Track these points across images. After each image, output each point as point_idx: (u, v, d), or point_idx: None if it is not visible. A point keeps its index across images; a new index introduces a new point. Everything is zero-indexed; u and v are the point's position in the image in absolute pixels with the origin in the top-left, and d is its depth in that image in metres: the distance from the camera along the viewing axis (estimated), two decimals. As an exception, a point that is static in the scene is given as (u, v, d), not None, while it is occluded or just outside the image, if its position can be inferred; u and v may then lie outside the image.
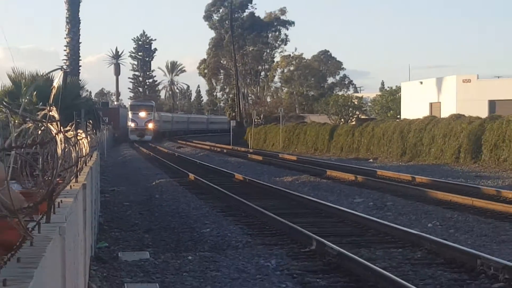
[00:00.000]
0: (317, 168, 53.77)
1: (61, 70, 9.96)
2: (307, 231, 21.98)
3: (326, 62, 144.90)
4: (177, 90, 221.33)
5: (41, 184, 7.22)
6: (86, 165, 17.33)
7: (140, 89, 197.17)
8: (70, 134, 11.78)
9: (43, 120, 7.16)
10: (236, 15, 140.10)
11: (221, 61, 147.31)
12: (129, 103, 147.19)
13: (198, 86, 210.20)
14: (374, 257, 18.76)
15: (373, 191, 37.04)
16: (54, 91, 8.18)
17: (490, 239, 21.82)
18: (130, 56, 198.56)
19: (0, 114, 6.18)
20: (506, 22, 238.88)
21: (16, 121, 6.31)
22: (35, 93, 22.35)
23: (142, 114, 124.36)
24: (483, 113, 68.93)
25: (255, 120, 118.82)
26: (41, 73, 39.44)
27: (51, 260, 6.25)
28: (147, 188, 39.54)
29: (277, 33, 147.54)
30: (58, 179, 8.30)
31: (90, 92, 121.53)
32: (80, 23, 75.31)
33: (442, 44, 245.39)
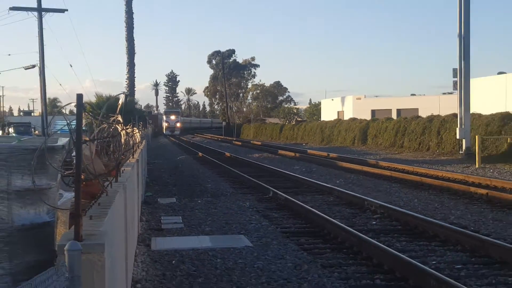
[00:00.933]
0: (272, 149, 53.74)
1: (123, 94, 10.02)
2: (267, 185, 21.97)
3: (277, 88, 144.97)
4: (192, 104, 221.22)
5: (112, 160, 7.20)
6: (138, 148, 17.30)
7: (170, 104, 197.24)
8: (129, 130, 11.75)
9: (113, 122, 7.15)
10: (225, 61, 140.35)
11: (217, 88, 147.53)
12: (164, 110, 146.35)
13: (204, 102, 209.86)
14: (306, 200, 18.75)
15: (305, 162, 37.13)
16: (119, 105, 8.19)
17: (372, 190, 21.90)
18: (164, 84, 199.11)
19: (88, 120, 6.17)
20: (383, 58, 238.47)
21: (97, 123, 6.31)
22: (103, 107, 22.26)
23: (173, 117, 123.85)
24: (368, 117, 69.25)
25: (236, 122, 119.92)
26: (112, 95, 39.33)
27: (118, 204, 6.24)
28: (174, 161, 39.34)
29: (249, 71, 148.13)
30: (122, 157, 8.29)
31: (141, 106, 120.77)
32: (135, 65, 75.32)
33: (345, 74, 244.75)
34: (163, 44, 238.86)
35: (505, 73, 57.82)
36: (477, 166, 30.43)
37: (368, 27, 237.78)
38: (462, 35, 36.33)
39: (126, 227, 7.80)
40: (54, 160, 5.01)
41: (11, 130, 52.80)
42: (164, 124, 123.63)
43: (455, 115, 39.82)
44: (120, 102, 8.90)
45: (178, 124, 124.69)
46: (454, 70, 38.47)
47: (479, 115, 40.76)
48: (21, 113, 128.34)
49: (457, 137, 37.44)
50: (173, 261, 11.17)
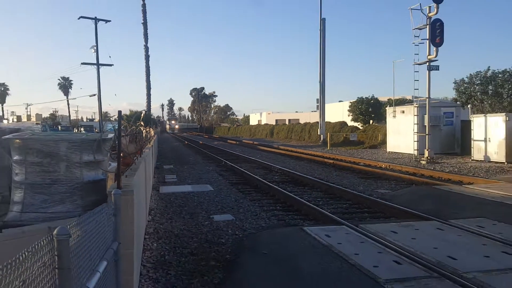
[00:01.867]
0: (224, 139, 53.43)
1: (144, 111, 9.83)
2: (221, 158, 21.81)
3: (227, 107, 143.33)
4: (181, 116, 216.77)
5: (138, 145, 7.03)
6: (152, 139, 16.95)
7: (170, 115, 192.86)
8: (148, 129, 11.52)
9: (138, 126, 7.00)
10: (199, 93, 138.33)
11: (195, 107, 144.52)
12: (167, 118, 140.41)
13: (188, 115, 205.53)
14: (241, 166, 18.59)
15: (241, 146, 36.97)
16: (142, 116, 8.06)
17: (275, 161, 21.94)
18: (167, 106, 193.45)
19: (124, 124, 6.01)
20: (282, 89, 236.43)
21: (129, 126, 6.14)
22: (132, 117, 21.72)
23: (173, 122, 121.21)
24: (274, 123, 69.57)
25: (205, 125, 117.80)
26: (138, 111, 38.45)
27: (141, 168, 6.10)
28: (172, 146, 38.59)
29: (212, 98, 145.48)
30: (143, 144, 8.10)
31: (154, 116, 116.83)
32: (151, 95, 72.98)
33: (262, 98, 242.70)
34: (167, 82, 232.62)
35: (342, 101, 59.63)
36: (328, 148, 31.10)
37: (270, 71, 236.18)
38: (321, 81, 36.94)
39: (146, 181, 7.66)
40: (106, 145, 4.90)
41: (82, 129, 51.60)
42: (168, 126, 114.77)
43: (317, 122, 40.58)
44: (142, 115, 8.81)
45: (177, 126, 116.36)
46: (317, 99, 39.18)
47: (329, 122, 41.70)
48: (88, 120, 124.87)
49: (318, 133, 38.15)
50: (171, 198, 11.03)
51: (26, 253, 1.66)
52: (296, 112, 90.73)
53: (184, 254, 6.35)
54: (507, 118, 17.80)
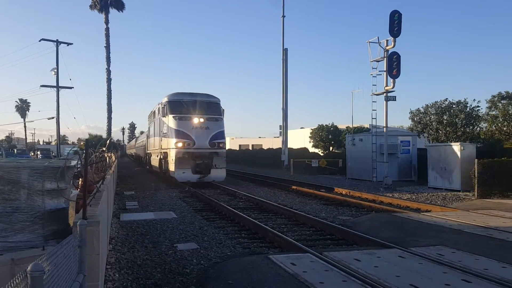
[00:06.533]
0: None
1: (111, 139, 9.73)
2: (184, 183, 21.55)
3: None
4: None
5: (101, 173, 6.88)
6: (114, 164, 16.53)
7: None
8: (110, 155, 11.26)
9: (102, 152, 6.86)
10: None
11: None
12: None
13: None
14: (206, 192, 18.52)
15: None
16: (107, 143, 7.94)
17: (240, 186, 21.76)
18: (128, 129, 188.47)
19: (91, 150, 5.90)
20: (246, 116, 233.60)
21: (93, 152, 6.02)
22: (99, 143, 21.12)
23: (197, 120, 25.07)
24: (237, 148, 69.59)
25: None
26: (97, 135, 37.50)
27: (105, 196, 5.98)
28: (132, 171, 37.62)
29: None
30: (105, 172, 7.92)
31: (114, 140, 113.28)
32: (111, 119, 71.33)
33: (228, 123, 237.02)
34: (129, 105, 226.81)
35: (304, 128, 60.85)
36: (291, 174, 31.41)
37: (234, 97, 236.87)
38: (284, 108, 37.60)
39: (108, 209, 7.45)
40: (69, 173, 4.78)
41: (38, 153, 49.65)
42: (176, 145, 20.50)
43: (280, 148, 40.99)
44: (107, 142, 8.69)
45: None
46: (280, 126, 39.77)
47: (292, 148, 42.26)
48: (44, 143, 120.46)
49: (282, 159, 38.55)
50: (133, 226, 10.71)
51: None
52: (260, 137, 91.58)
53: (148, 286, 6.16)
54: (462, 147, 18.72)
